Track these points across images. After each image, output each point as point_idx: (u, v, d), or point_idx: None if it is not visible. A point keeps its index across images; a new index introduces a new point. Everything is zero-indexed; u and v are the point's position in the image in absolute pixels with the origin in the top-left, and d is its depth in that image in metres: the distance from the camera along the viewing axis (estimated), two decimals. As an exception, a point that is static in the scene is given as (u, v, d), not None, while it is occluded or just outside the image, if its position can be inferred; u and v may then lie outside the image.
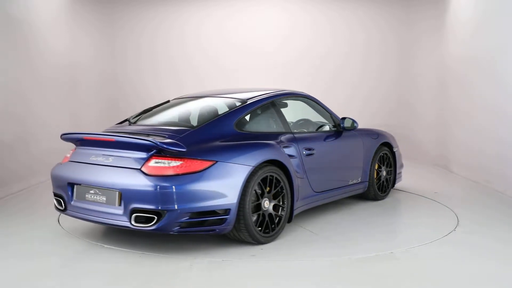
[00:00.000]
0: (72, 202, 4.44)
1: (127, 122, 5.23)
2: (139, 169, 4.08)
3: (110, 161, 4.29)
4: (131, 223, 4.05)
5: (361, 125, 6.38)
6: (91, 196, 4.30)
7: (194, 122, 4.84)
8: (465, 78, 8.18)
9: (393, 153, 6.60)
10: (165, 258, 4.16)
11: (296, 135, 5.18)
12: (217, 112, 4.95)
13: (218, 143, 4.44)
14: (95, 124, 9.83)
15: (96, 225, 5.15)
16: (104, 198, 4.20)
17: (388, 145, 6.52)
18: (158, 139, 4.19)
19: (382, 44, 10.49)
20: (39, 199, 6.43)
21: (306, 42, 10.48)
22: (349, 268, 3.96)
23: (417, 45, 10.14)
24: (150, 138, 4.14)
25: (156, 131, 4.59)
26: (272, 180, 4.54)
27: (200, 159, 4.13)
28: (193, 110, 5.26)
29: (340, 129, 5.80)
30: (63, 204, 4.53)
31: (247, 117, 5.05)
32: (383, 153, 6.39)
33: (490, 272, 3.89)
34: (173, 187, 3.95)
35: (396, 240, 4.65)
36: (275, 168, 4.56)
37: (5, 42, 6.77)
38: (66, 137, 4.63)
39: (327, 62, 10.47)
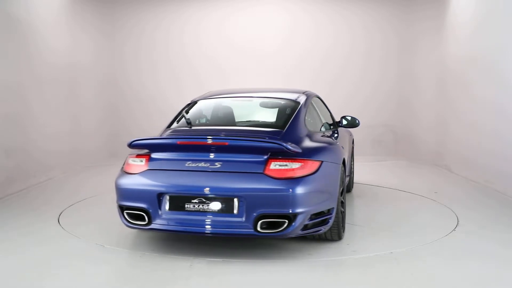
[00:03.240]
0: (163, 215, 4.01)
1: (188, 125, 4.84)
2: (262, 173, 3.89)
3: (218, 166, 3.95)
4: (256, 230, 3.83)
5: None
6: (194, 206, 3.96)
7: (275, 122, 4.78)
8: (465, 78, 8.18)
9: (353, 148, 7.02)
10: (165, 258, 4.16)
11: (334, 133, 5.31)
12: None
13: (313, 143, 4.43)
14: (95, 123, 9.83)
15: (97, 225, 5.15)
16: (215, 207, 3.96)
17: (352, 141, 6.89)
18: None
19: (382, 44, 10.49)
20: (39, 200, 6.43)
21: (307, 43, 10.47)
22: (348, 268, 3.96)
23: (417, 45, 10.14)
24: (276, 140, 3.99)
25: (244, 132, 4.46)
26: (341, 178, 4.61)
27: (312, 160, 4.04)
28: (249, 110, 5.31)
29: (340, 126, 5.87)
30: (146, 218, 4.05)
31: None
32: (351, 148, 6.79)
33: (490, 272, 3.89)
34: (302, 189, 3.85)
35: (396, 240, 4.65)
36: (342, 166, 4.66)
37: (5, 42, 6.77)
38: (137, 143, 4.17)
39: (328, 62, 10.46)
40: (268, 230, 3.86)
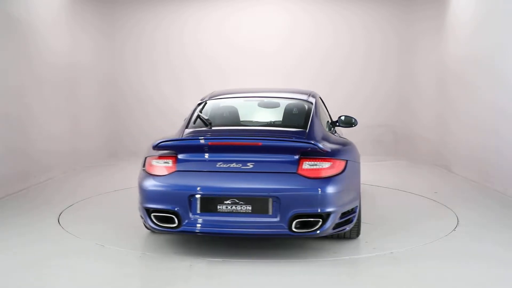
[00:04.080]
0: (194, 217, 3.94)
1: (208, 125, 4.65)
2: (296, 173, 3.91)
3: (250, 167, 3.94)
4: (291, 230, 3.84)
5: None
6: (226, 207, 3.91)
7: (292, 122, 4.79)
8: (465, 78, 8.18)
9: None
10: (165, 258, 4.16)
11: (334, 133, 5.31)
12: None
13: (334, 142, 4.45)
14: (95, 123, 9.83)
15: (97, 225, 5.15)
16: (250, 207, 3.88)
17: None
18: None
19: (382, 44, 10.49)
20: (39, 200, 6.43)
21: (307, 43, 10.47)
22: (349, 268, 3.96)
23: (417, 45, 10.14)
24: (309, 140, 4.06)
25: (272, 132, 4.49)
26: None
27: (339, 159, 4.08)
28: (264, 110, 5.34)
29: (337, 126, 5.83)
30: (176, 221, 3.96)
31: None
32: None
33: (490, 272, 3.89)
34: (335, 188, 3.90)
35: (396, 240, 4.65)
36: None
37: (5, 42, 6.76)
38: (165, 144, 4.10)
39: (328, 62, 10.46)
40: (302, 229, 3.88)
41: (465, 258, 4.18)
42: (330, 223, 3.91)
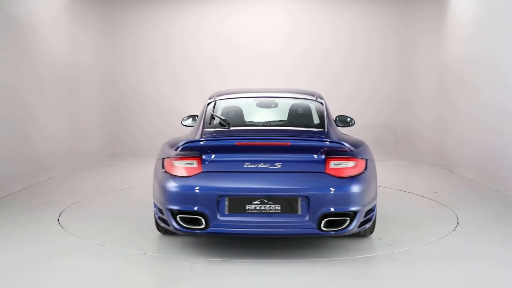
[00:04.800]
0: (222, 218, 3.90)
1: (226, 126, 4.63)
2: (324, 172, 3.95)
3: (278, 167, 3.94)
4: (320, 229, 3.88)
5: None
6: (255, 207, 3.89)
7: (304, 122, 4.84)
8: (465, 77, 8.18)
9: None
10: (165, 258, 4.16)
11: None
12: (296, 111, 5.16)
13: (351, 142, 4.46)
14: (95, 123, 9.83)
15: (97, 225, 5.16)
16: (279, 207, 3.89)
17: None
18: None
19: (382, 44, 10.49)
20: (39, 200, 6.43)
21: (307, 43, 10.47)
22: (349, 268, 3.96)
23: (417, 45, 10.14)
24: (337, 140, 4.15)
25: (295, 132, 4.53)
26: None
27: (360, 158, 4.13)
28: (275, 110, 5.38)
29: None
30: (203, 222, 3.92)
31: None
32: None
33: (490, 272, 3.90)
34: (361, 187, 3.96)
35: (396, 240, 4.65)
36: None
37: (5, 42, 6.76)
38: (190, 146, 4.07)
39: (328, 62, 10.46)
40: (331, 228, 3.92)
41: (465, 258, 4.18)
42: (356, 222, 3.97)
